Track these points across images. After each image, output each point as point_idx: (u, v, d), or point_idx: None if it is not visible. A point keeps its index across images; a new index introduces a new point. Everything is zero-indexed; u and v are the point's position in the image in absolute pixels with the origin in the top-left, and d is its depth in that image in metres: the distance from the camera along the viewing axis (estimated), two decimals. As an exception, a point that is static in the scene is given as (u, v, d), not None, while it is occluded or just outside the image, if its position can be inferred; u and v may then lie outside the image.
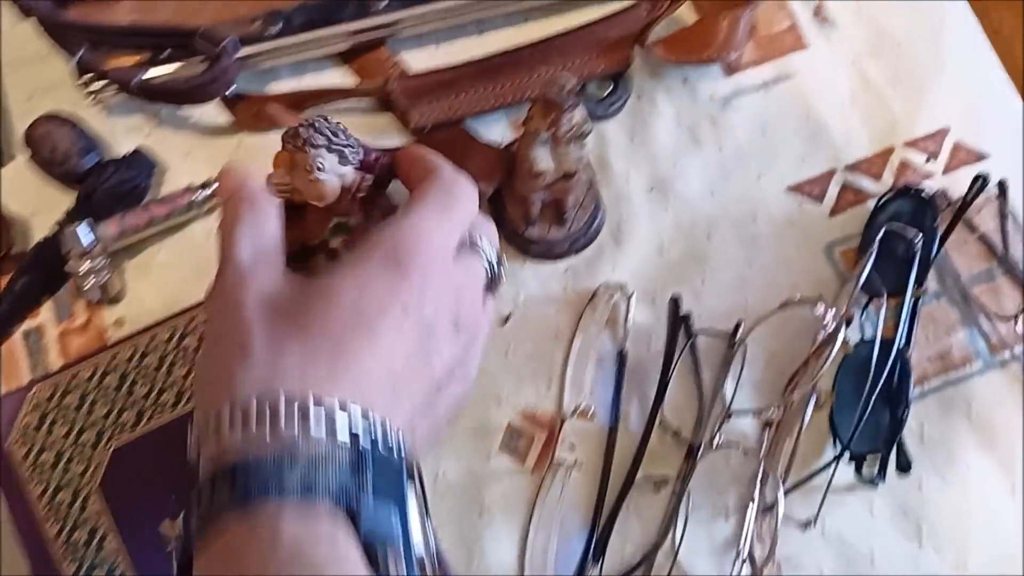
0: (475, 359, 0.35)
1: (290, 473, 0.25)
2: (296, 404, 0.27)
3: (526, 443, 0.45)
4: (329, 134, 0.42)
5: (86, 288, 0.46)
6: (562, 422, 0.45)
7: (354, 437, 0.27)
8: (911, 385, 0.44)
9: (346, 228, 0.43)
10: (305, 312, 0.30)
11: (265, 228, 0.34)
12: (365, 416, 0.27)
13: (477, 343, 0.35)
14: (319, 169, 0.41)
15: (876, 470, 0.44)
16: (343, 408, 0.27)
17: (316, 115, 0.39)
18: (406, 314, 0.30)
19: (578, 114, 0.42)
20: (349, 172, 0.43)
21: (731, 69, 0.51)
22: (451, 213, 0.34)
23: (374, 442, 0.27)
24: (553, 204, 0.47)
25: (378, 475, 0.27)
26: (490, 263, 0.36)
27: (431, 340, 0.31)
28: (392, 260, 0.31)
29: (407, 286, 0.31)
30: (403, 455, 0.28)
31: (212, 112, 0.50)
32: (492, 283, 0.37)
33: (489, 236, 0.36)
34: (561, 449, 0.45)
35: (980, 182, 0.46)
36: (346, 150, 0.42)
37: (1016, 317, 0.45)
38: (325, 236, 0.42)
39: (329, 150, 0.41)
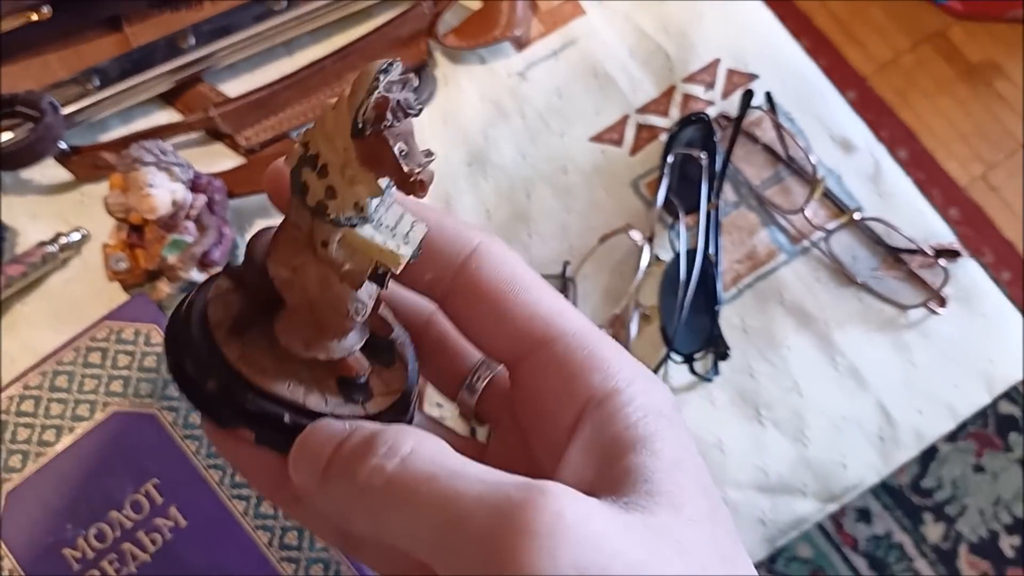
0: None
1: None
2: None
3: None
4: (158, 152, 0.46)
5: (-42, 355, 0.49)
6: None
7: None
8: (719, 285, 0.50)
9: (180, 245, 0.46)
10: None
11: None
12: None
13: None
14: (150, 185, 0.45)
15: (709, 366, 0.50)
16: None
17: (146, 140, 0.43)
18: None
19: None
20: (180, 189, 0.47)
21: (521, 44, 0.56)
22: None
23: None
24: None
25: None
26: None
27: None
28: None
29: None
30: None
31: (52, 171, 0.53)
32: None
33: None
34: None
35: (746, 96, 0.52)
36: (175, 168, 0.46)
37: (802, 208, 0.51)
38: (162, 254, 0.46)
39: (159, 167, 0.45)
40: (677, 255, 0.50)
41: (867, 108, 1.25)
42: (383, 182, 0.22)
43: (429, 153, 0.22)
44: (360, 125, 0.21)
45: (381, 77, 0.21)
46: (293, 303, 0.24)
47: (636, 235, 0.50)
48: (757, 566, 0.41)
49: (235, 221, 0.51)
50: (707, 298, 0.49)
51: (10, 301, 0.51)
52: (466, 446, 0.27)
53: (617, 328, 0.49)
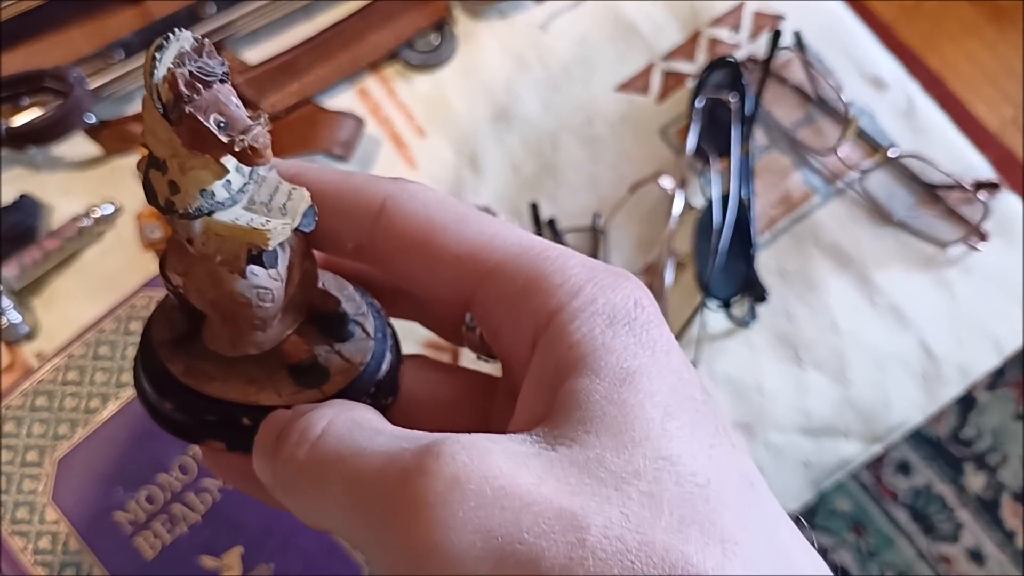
0: None
1: None
2: None
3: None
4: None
5: (2, 331, 0.49)
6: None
7: None
8: (754, 229, 0.49)
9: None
10: None
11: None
12: None
13: None
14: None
15: (746, 311, 0.49)
16: None
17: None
18: None
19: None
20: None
21: (541, -4, 0.56)
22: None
23: None
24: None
25: None
26: None
27: None
28: None
29: None
30: None
31: (82, 147, 0.54)
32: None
33: None
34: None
35: (774, 36, 0.51)
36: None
37: (835, 148, 0.50)
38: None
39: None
40: (710, 201, 0.50)
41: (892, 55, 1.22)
42: (230, 160, 0.20)
43: (256, 115, 0.20)
44: (163, 111, 0.19)
45: (157, 56, 0.19)
46: (200, 306, 0.23)
47: (667, 182, 0.49)
48: (801, 513, 0.41)
49: (265, 187, 0.51)
50: (742, 243, 0.49)
51: (48, 276, 0.51)
52: (485, 382, 0.26)
53: (652, 276, 0.49)
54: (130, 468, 0.44)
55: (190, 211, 0.21)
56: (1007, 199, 0.51)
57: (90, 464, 0.45)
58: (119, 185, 0.53)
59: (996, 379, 1.02)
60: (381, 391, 0.25)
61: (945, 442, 1.03)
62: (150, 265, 0.50)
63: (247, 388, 0.24)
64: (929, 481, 1.02)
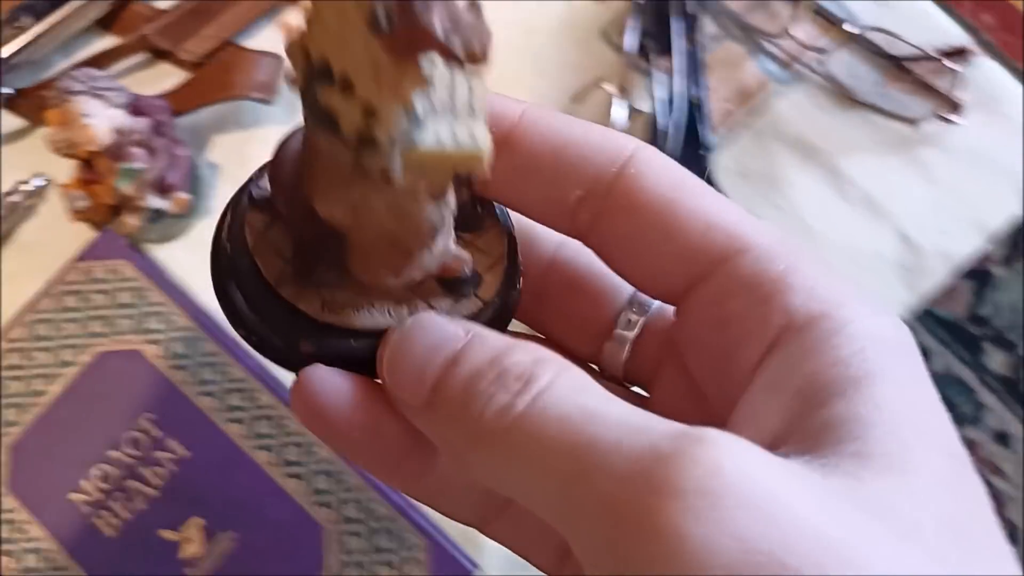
0: None
1: None
2: None
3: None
4: (87, 79, 0.44)
5: (-55, 320, 0.48)
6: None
7: None
8: (706, 129, 0.46)
9: (132, 174, 0.44)
10: None
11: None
12: None
13: None
14: (85, 115, 0.42)
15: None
16: None
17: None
18: None
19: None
20: (118, 115, 0.45)
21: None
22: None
23: None
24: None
25: None
26: None
27: None
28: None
29: None
30: None
31: (5, 121, 0.51)
32: None
33: None
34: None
35: (713, -84, 0.47)
36: (108, 93, 0.44)
37: (788, 28, 0.46)
38: (116, 185, 0.44)
39: (91, 95, 0.43)
40: (662, 101, 0.46)
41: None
42: (424, 62, 0.16)
43: (473, 5, 0.16)
44: (382, 20, 0.16)
45: None
46: (362, 240, 0.20)
47: (609, 88, 0.46)
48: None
49: (192, 140, 0.49)
50: (694, 146, 0.46)
51: (-15, 258, 0.50)
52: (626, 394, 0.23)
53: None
54: (81, 447, 0.43)
55: (393, 139, 0.17)
56: (984, 65, 0.47)
57: (43, 447, 0.44)
58: (49, 157, 0.50)
59: (1011, 253, 0.98)
60: (518, 278, 0.22)
61: (962, 323, 0.99)
62: (83, 236, 0.48)
63: (396, 309, 0.21)
64: (948, 365, 0.99)
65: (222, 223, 0.21)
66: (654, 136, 0.45)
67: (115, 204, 0.46)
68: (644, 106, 0.47)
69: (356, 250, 0.20)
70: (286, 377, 0.45)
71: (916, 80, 0.47)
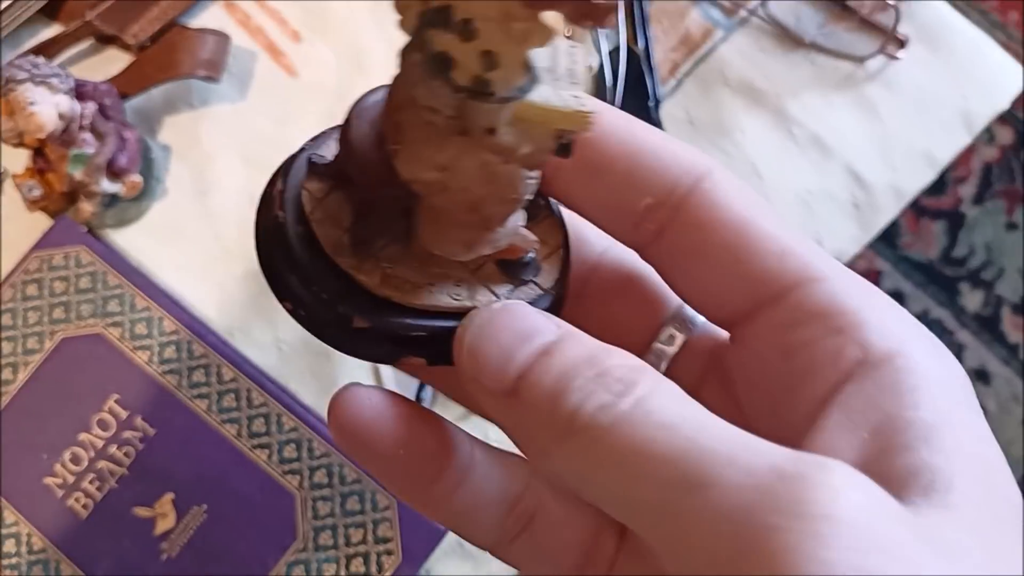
0: None
1: None
2: None
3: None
4: (30, 67, 0.44)
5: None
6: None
7: None
8: (653, 80, 0.46)
9: (83, 159, 0.44)
10: None
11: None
12: None
13: None
14: (31, 103, 0.43)
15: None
16: None
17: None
18: None
19: None
20: (63, 101, 0.45)
21: None
22: None
23: None
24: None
25: None
26: None
27: None
28: None
29: None
30: None
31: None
32: None
33: None
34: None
35: None
36: (52, 80, 0.44)
37: (729, -25, 0.46)
38: (68, 171, 0.44)
39: (34, 82, 0.43)
40: (609, 52, 0.47)
41: None
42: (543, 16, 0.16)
43: None
44: None
45: None
46: (446, 205, 0.19)
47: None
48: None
49: (142, 122, 0.49)
50: (640, 98, 0.46)
51: (-54, 254, 0.50)
52: None
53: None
54: (52, 432, 0.44)
55: (510, 93, 0.16)
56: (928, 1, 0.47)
57: (13, 436, 0.44)
58: (3, 149, 0.51)
59: (983, 191, 0.99)
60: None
61: (937, 264, 1.00)
62: (42, 226, 0.48)
63: (457, 290, 0.20)
64: (925, 307, 1.00)
65: (270, 191, 0.20)
66: (601, 89, 0.45)
67: (69, 191, 0.46)
68: (591, 60, 0.47)
69: (429, 219, 0.19)
70: (248, 352, 0.45)
71: (859, 18, 0.47)
